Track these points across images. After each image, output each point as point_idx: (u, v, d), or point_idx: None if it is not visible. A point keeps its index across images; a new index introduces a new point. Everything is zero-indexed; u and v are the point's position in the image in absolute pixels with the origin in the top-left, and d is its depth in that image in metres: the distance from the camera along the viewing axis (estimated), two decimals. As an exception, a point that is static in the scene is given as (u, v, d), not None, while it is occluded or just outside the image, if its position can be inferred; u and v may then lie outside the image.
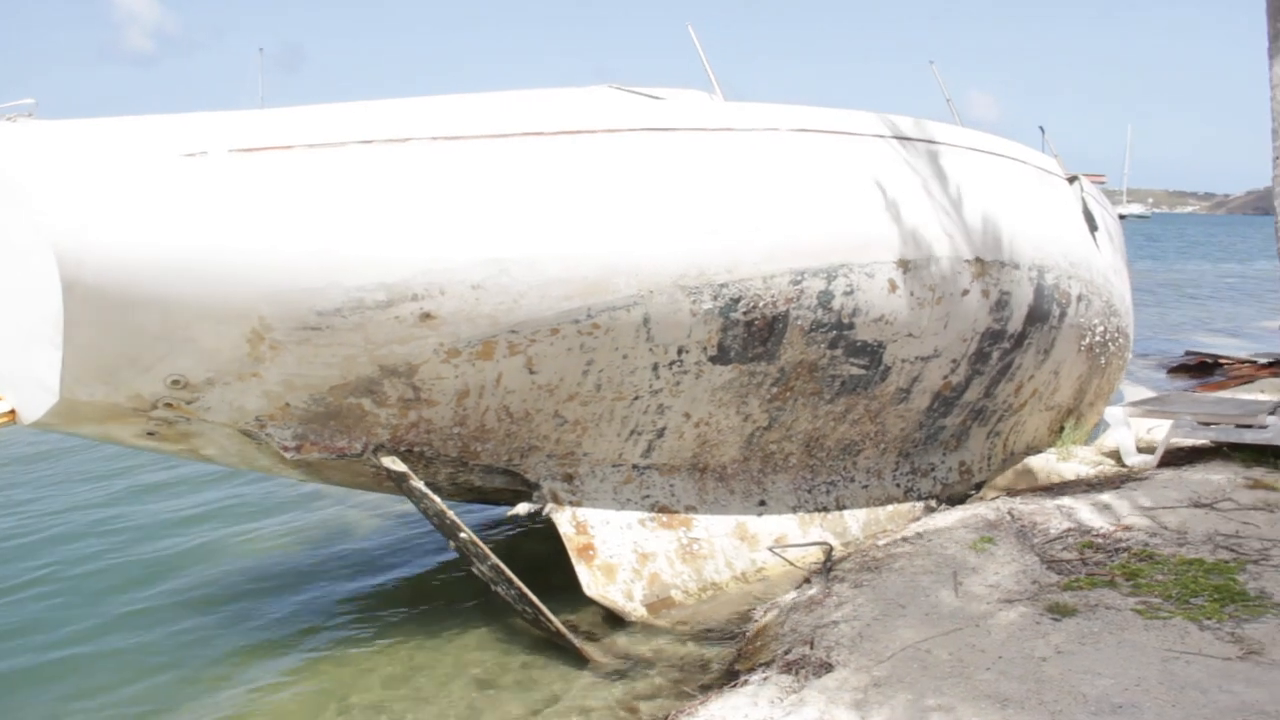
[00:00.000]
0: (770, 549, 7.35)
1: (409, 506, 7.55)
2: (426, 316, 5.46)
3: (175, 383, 5.32)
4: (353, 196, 5.19)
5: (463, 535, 6.24)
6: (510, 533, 8.61)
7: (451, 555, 7.50)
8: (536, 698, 5.82)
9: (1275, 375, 14.16)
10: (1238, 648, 5.03)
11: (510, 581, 6.27)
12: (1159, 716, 4.37)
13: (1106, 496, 7.71)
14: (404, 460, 6.10)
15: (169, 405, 5.46)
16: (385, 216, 5.25)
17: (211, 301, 5.02)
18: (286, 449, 5.84)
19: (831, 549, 7.39)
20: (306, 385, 5.59)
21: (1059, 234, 8.70)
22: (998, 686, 4.73)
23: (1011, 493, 8.53)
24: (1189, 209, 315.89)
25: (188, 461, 6.75)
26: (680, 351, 6.37)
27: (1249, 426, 8.43)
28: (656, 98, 6.81)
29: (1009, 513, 7.39)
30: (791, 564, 7.33)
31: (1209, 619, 5.39)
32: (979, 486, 8.97)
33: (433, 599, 7.36)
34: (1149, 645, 5.11)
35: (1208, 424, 8.67)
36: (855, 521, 7.92)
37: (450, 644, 6.54)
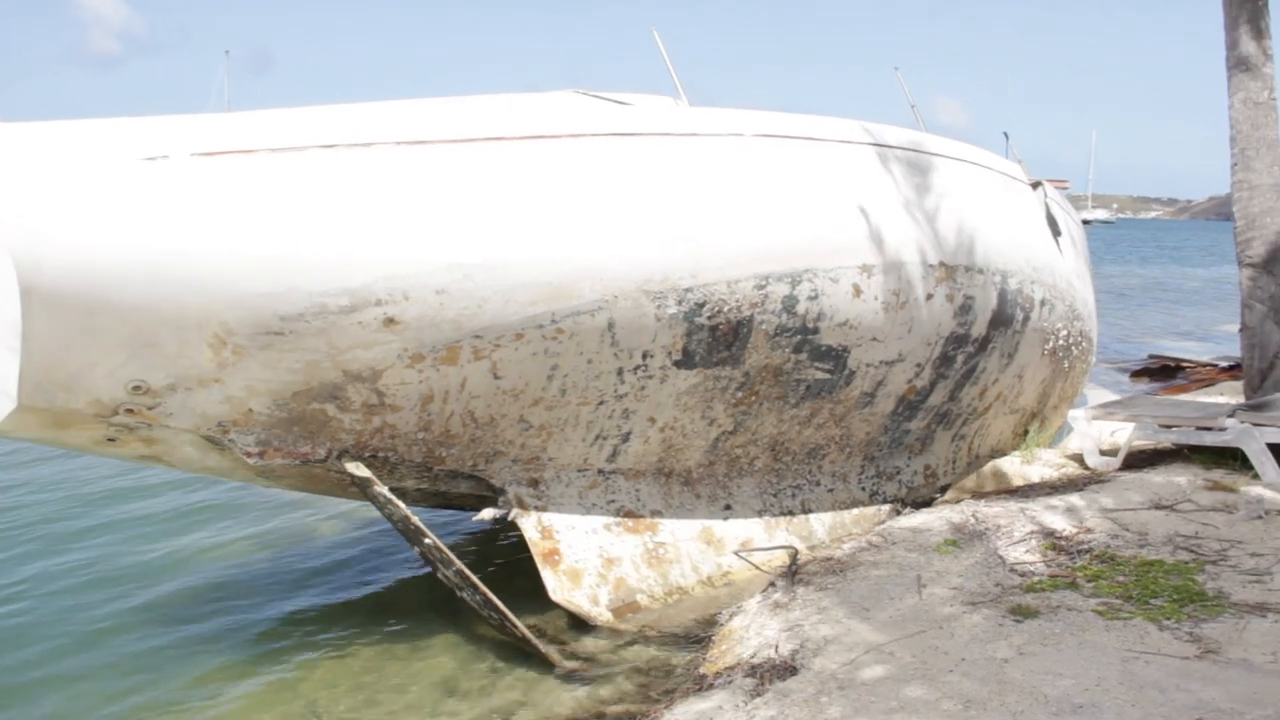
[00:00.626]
0: (736, 553, 7.37)
1: (374, 512, 7.53)
2: (390, 321, 5.44)
3: (136, 388, 5.28)
4: (315, 201, 5.17)
5: (427, 541, 6.22)
6: (476, 538, 8.59)
7: (417, 561, 7.48)
8: (502, 703, 5.81)
9: (1235, 378, 14.30)
10: (1196, 647, 5.09)
11: (475, 587, 6.26)
12: (1118, 716, 4.41)
13: (1069, 499, 7.78)
14: (368, 466, 6.08)
15: (130, 411, 5.42)
16: (348, 221, 5.23)
17: (173, 306, 4.99)
18: (250, 455, 5.81)
19: (797, 553, 7.42)
20: (270, 390, 5.56)
21: (1022, 239, 8.77)
22: (961, 688, 4.76)
23: (976, 496, 8.59)
24: (1153, 214, 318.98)
25: (147, 468, 6.69)
26: (645, 356, 6.38)
27: (1209, 429, 8.52)
28: (622, 103, 6.82)
29: (973, 516, 7.44)
30: (757, 568, 7.35)
31: (1168, 619, 5.44)
32: (944, 489, 9.02)
33: (398, 605, 7.33)
34: (1109, 646, 5.16)
35: (1169, 427, 8.76)
36: (821, 525, 7.95)
37: (415, 650, 6.52)
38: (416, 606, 7.25)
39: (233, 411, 5.60)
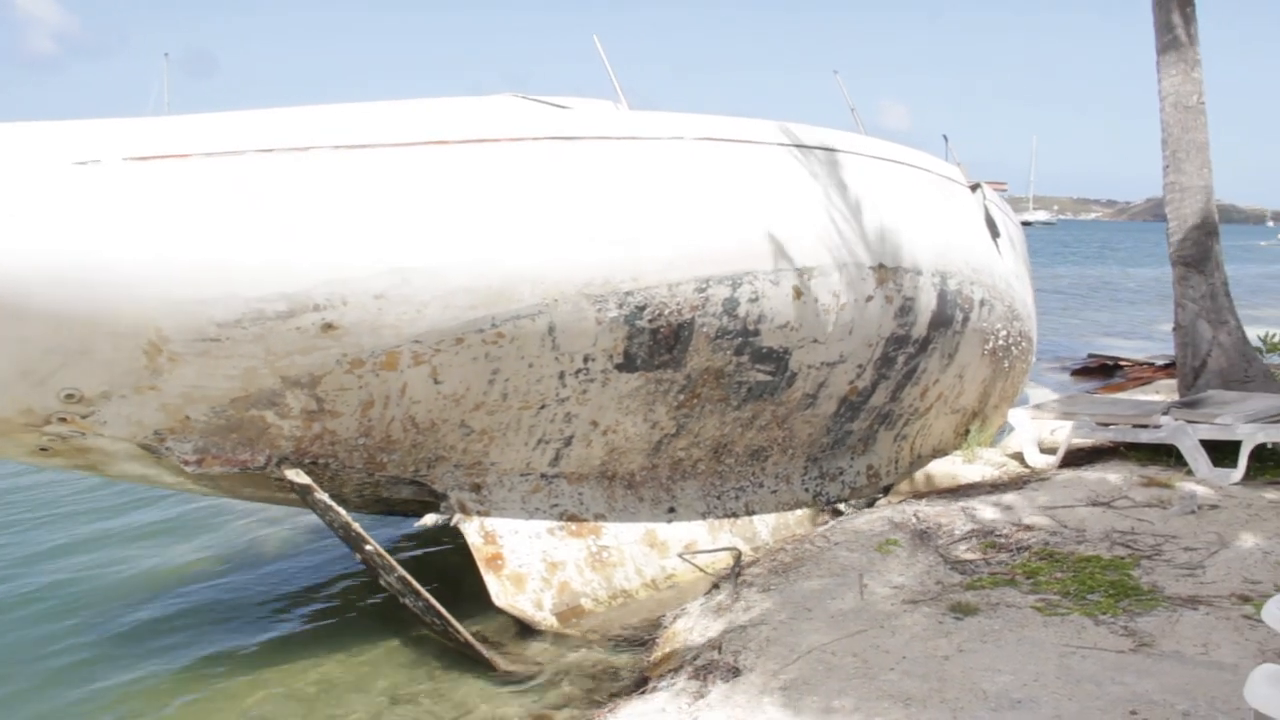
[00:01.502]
0: (680, 555, 7.38)
1: (316, 520, 7.46)
2: (329, 327, 5.40)
3: (69, 397, 5.20)
4: (252, 206, 5.12)
5: (369, 548, 6.18)
6: (420, 544, 8.54)
7: (360, 568, 7.42)
8: (446, 710, 5.77)
9: (1172, 376, 14.53)
10: (1130, 641, 5.17)
11: (417, 593, 6.22)
12: (1055, 710, 4.47)
13: (1009, 497, 7.87)
14: (308, 473, 6.03)
15: (63, 420, 5.33)
16: (285, 226, 5.18)
17: (106, 313, 4.91)
18: (187, 463, 5.73)
19: (740, 554, 7.44)
20: (207, 398, 5.50)
21: (961, 241, 8.86)
22: (901, 686, 4.80)
23: (918, 495, 8.67)
24: (1093, 215, 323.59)
25: (84, 477, 6.59)
26: (586, 360, 6.37)
27: (1144, 426, 8.66)
28: (562, 106, 6.82)
29: (914, 515, 7.51)
30: (701, 570, 7.37)
31: (1104, 614, 5.52)
32: (887, 489, 9.09)
33: (341, 613, 7.27)
34: (1047, 641, 5.23)
35: (1106, 425, 8.89)
36: (764, 526, 7.98)
37: (358, 658, 6.46)
38: (359, 614, 7.20)
39: (169, 419, 5.53)
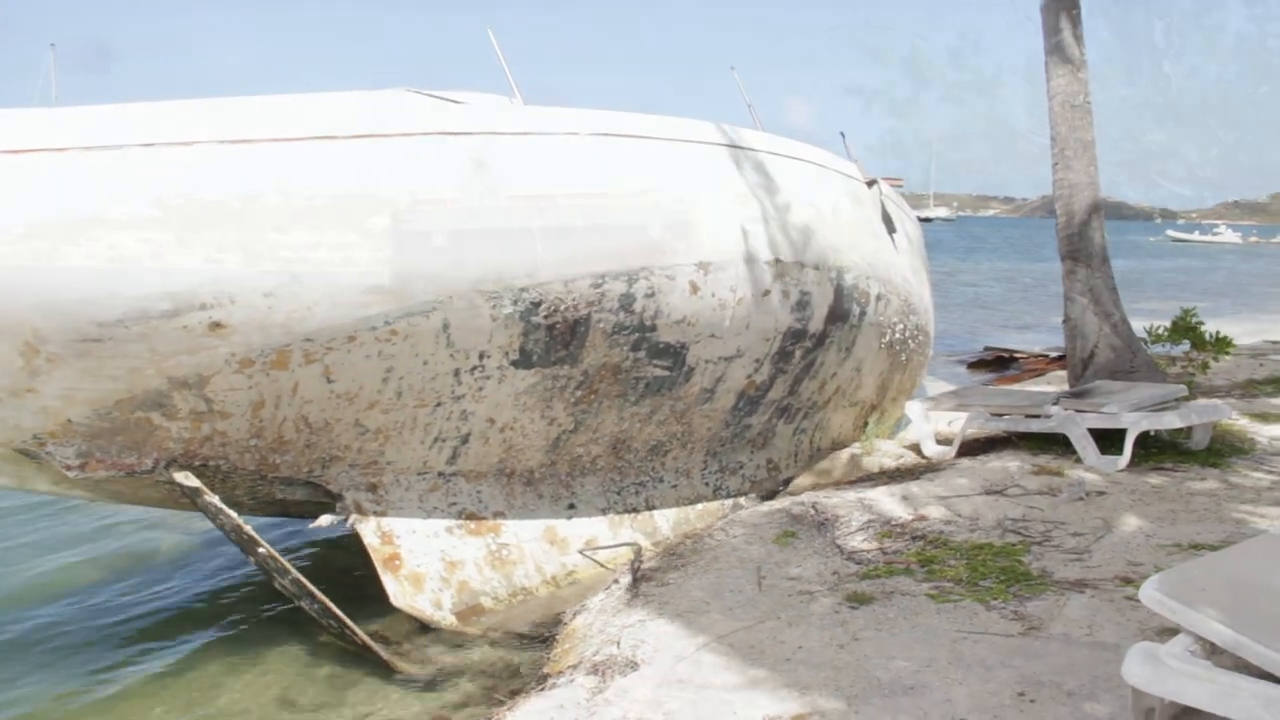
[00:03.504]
0: (580, 552, 7.37)
1: (208, 524, 7.30)
2: (216, 326, 5.29)
3: (-59, 401, 5.03)
4: (134, 201, 4.99)
5: (261, 550, 6.06)
6: (315, 545, 8.41)
7: (254, 570, 7.28)
8: (344, 713, 5.69)
9: (1064, 368, 14.90)
10: (1020, 625, 5.28)
11: (312, 595, 6.12)
12: (946, 694, 4.54)
13: (906, 488, 7.99)
14: (199, 475, 5.89)
15: (-65, 425, 5.15)
16: (169, 222, 5.06)
17: (-23, 313, 4.76)
18: (70, 468, 5.57)
19: (641, 549, 7.45)
20: (89, 400, 5.35)
21: (858, 236, 8.97)
22: (797, 675, 4.84)
23: (817, 487, 8.75)
24: (992, 212, 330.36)
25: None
26: (482, 357, 6.32)
27: (1036, 416, 8.86)
28: (455, 101, 6.76)
29: (813, 507, 7.58)
30: (602, 565, 7.36)
31: (996, 599, 5.63)
32: (787, 482, 9.17)
33: (234, 618, 7.12)
34: (940, 628, 5.31)
35: (1000, 415, 9.08)
36: (665, 521, 8.01)
37: (253, 664, 6.33)
38: (254, 618, 7.06)
39: (49, 423, 5.37)
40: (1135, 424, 8.36)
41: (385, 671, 6.06)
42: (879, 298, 9.23)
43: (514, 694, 5.56)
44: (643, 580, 6.43)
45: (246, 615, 7.16)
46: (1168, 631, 4.78)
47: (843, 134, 11.00)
